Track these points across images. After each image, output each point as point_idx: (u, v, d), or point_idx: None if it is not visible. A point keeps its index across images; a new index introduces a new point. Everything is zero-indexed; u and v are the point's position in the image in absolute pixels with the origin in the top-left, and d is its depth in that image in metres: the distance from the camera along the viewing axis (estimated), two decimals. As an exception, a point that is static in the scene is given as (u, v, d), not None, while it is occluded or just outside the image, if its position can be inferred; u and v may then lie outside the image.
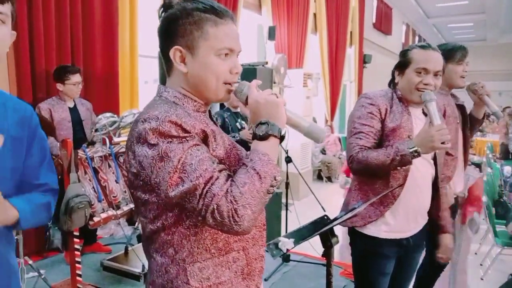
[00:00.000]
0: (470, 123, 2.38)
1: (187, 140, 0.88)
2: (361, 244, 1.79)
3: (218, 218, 0.84)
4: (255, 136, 0.94)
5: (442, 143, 1.50)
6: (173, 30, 0.97)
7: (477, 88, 2.32)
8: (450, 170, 2.24)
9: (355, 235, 1.80)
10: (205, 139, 0.94)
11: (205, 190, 0.85)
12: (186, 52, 0.97)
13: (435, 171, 1.79)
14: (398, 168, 1.63)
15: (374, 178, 1.71)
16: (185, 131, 0.88)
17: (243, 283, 1.01)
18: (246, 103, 1.00)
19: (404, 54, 1.74)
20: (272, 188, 0.90)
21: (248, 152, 0.96)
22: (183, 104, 0.98)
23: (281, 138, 0.95)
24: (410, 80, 1.68)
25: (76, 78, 3.19)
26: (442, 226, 1.86)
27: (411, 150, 1.53)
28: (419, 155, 1.54)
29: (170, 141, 0.87)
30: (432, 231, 1.86)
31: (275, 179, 0.90)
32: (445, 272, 2.63)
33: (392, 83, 1.80)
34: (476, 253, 4.15)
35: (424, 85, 1.65)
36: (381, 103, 1.70)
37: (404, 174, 1.68)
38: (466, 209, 2.58)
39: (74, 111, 3.29)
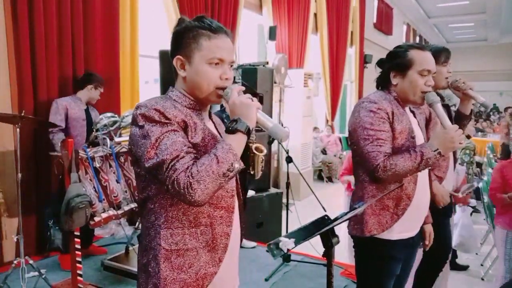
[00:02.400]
0: (459, 120, 2.41)
1: (167, 125, 1.09)
2: (372, 248, 1.77)
3: (176, 187, 1.03)
4: (226, 130, 1.12)
5: (460, 143, 1.60)
6: (178, 43, 1.20)
7: (459, 84, 2.35)
8: (442, 171, 2.30)
9: (365, 241, 1.76)
10: (185, 128, 1.14)
11: (170, 165, 1.04)
12: (185, 60, 1.19)
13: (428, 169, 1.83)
14: None
15: (387, 184, 1.69)
16: (166, 118, 1.10)
17: (208, 254, 1.18)
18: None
19: (399, 55, 1.71)
20: (228, 172, 1.06)
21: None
22: (181, 102, 1.20)
23: (248, 134, 1.12)
24: (414, 82, 1.67)
25: (102, 90, 3.46)
26: (426, 217, 1.90)
27: (435, 152, 1.58)
28: (441, 156, 1.59)
29: (153, 125, 1.09)
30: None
31: (232, 165, 1.06)
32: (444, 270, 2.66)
33: (384, 85, 1.78)
34: (477, 253, 4.15)
35: (427, 86, 1.67)
36: (387, 106, 1.68)
37: (415, 175, 1.70)
38: (457, 202, 2.66)
39: (87, 113, 3.40)
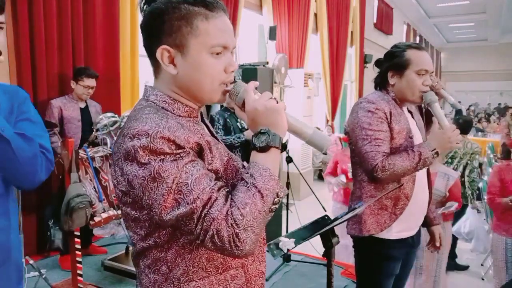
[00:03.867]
0: (428, 117, 2.48)
1: (182, 157, 0.80)
2: (370, 247, 1.77)
3: (218, 243, 0.78)
4: (254, 147, 0.87)
5: (457, 143, 1.61)
6: (158, 27, 0.86)
7: (433, 84, 2.44)
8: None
9: (364, 240, 1.77)
10: (200, 152, 0.86)
11: (203, 214, 0.78)
12: (175, 51, 0.87)
13: (427, 168, 1.84)
14: None
15: (385, 183, 1.69)
16: (178, 146, 0.80)
17: None
18: (242, 106, 0.92)
19: (397, 55, 1.71)
20: (274, 206, 0.83)
21: (245, 163, 0.91)
22: (173, 110, 0.89)
23: (283, 148, 0.88)
24: (412, 82, 1.68)
25: (90, 82, 3.27)
26: (434, 219, 1.93)
27: (433, 152, 1.59)
28: (438, 156, 1.61)
29: (163, 159, 0.79)
30: (423, 225, 1.90)
31: (277, 196, 0.83)
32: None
33: (383, 85, 1.78)
34: (477, 254, 4.15)
35: (425, 86, 1.68)
36: (385, 106, 1.69)
37: (413, 174, 1.71)
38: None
39: (85, 112, 3.35)
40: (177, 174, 0.79)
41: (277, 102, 0.89)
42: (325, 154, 0.96)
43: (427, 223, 1.92)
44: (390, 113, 1.69)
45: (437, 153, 1.60)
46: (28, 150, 1.14)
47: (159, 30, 0.87)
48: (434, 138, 1.63)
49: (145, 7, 0.90)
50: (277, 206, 0.84)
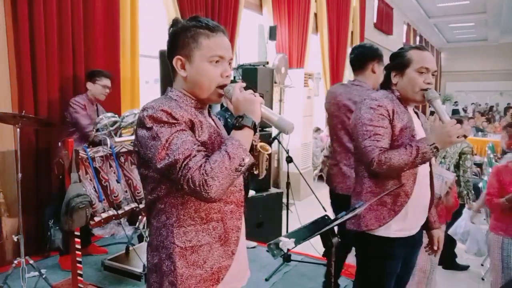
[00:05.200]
0: None
1: (175, 125, 1.10)
2: (371, 246, 1.78)
3: (192, 186, 1.04)
4: (233, 126, 1.14)
5: (457, 137, 1.59)
6: (176, 43, 1.21)
7: None
8: None
9: (363, 238, 1.78)
10: (192, 127, 1.15)
11: (183, 164, 1.05)
12: (185, 60, 1.20)
13: (430, 168, 1.85)
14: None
15: (385, 180, 1.71)
16: (174, 118, 1.11)
17: (220, 248, 1.21)
18: (231, 100, 1.21)
19: (399, 55, 1.77)
20: (240, 167, 1.08)
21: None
22: (183, 101, 1.20)
23: (254, 129, 1.15)
24: (412, 80, 1.71)
25: (107, 81, 3.33)
26: (434, 222, 1.94)
27: (432, 147, 1.59)
28: (437, 151, 1.60)
29: (162, 126, 1.09)
30: (422, 227, 1.90)
31: (243, 160, 1.09)
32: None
33: (387, 85, 1.82)
34: (470, 255, 4.14)
35: (426, 84, 1.70)
36: (388, 104, 1.71)
37: (414, 172, 1.72)
38: (442, 209, 2.64)
39: (96, 114, 3.35)
40: (169, 136, 1.08)
41: (255, 96, 1.18)
42: (288, 134, 1.21)
43: (427, 226, 1.92)
44: (393, 110, 1.71)
45: (436, 148, 1.59)
46: None
47: (176, 45, 1.21)
48: (433, 132, 1.63)
49: (171, 29, 1.25)
50: (243, 168, 1.09)
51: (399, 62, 1.76)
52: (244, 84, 1.24)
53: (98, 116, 3.35)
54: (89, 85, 3.29)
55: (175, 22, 1.25)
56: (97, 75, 3.29)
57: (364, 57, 2.54)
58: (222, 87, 1.21)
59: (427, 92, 1.69)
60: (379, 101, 1.71)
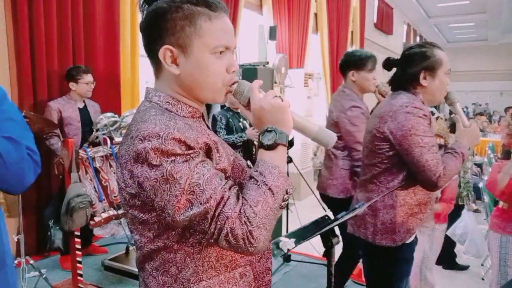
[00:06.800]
0: None
1: (192, 158, 0.80)
2: (388, 254, 1.74)
3: (233, 241, 0.79)
4: (261, 145, 0.88)
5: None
6: (161, 26, 0.87)
7: (384, 89, 2.56)
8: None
9: (376, 247, 1.75)
10: (208, 152, 0.87)
11: (217, 213, 0.79)
12: (178, 51, 0.87)
13: None
14: None
15: (417, 190, 1.70)
16: (189, 147, 0.81)
17: None
18: (247, 105, 0.93)
19: (429, 55, 1.68)
20: (284, 203, 0.84)
21: (249, 162, 0.92)
22: (177, 111, 0.90)
23: (289, 145, 0.91)
24: (443, 82, 1.71)
25: (89, 77, 3.28)
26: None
27: (468, 151, 1.66)
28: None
29: (174, 160, 0.79)
30: None
31: (286, 193, 0.84)
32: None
33: (410, 86, 1.72)
34: (469, 256, 4.14)
35: (447, 85, 1.73)
36: (426, 111, 1.68)
37: None
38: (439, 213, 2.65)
39: (84, 111, 3.34)
40: (189, 174, 0.79)
41: (282, 100, 0.90)
42: (329, 147, 0.96)
43: None
44: (430, 119, 1.70)
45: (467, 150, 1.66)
46: (16, 154, 1.10)
47: (162, 30, 0.87)
48: (464, 136, 1.67)
49: (145, 6, 0.90)
50: (286, 202, 0.85)
51: (431, 62, 1.67)
52: (261, 82, 0.94)
53: (88, 109, 3.37)
54: (72, 85, 3.23)
55: None
56: (77, 74, 3.22)
57: (344, 64, 2.56)
58: (230, 84, 0.93)
59: (451, 94, 1.72)
60: (423, 109, 1.64)
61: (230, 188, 0.82)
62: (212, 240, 0.81)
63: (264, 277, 0.98)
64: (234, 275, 0.93)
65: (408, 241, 1.74)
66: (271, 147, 0.87)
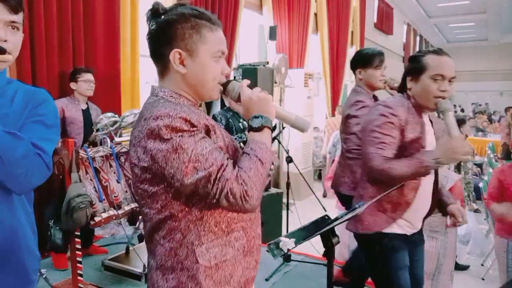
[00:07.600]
0: None
1: (196, 134, 0.99)
2: (371, 243, 1.81)
3: (232, 199, 0.95)
4: (251, 128, 1.07)
5: (464, 155, 1.54)
6: (171, 34, 1.06)
7: (395, 84, 2.54)
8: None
9: (366, 237, 1.80)
10: (207, 132, 1.04)
11: (218, 176, 0.95)
12: (186, 54, 1.06)
13: (435, 176, 1.84)
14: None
15: (388, 187, 1.68)
16: (193, 125, 0.99)
17: (245, 259, 1.12)
18: (237, 100, 1.15)
19: (416, 59, 1.71)
20: (270, 172, 1.04)
21: (242, 144, 1.11)
22: (179, 103, 1.07)
23: (272, 129, 1.10)
24: (426, 87, 1.67)
25: (88, 76, 3.30)
26: (447, 200, 1.91)
27: (435, 161, 1.55)
28: (441, 165, 1.59)
29: (182, 135, 0.97)
30: (440, 210, 1.93)
31: (272, 164, 1.05)
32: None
33: (404, 89, 1.78)
34: (479, 255, 4.15)
35: (441, 91, 1.65)
36: (402, 113, 1.68)
37: (418, 183, 1.71)
38: None
39: (86, 113, 3.35)
40: (194, 146, 0.96)
41: (267, 94, 1.12)
42: (305, 132, 1.17)
43: (443, 206, 1.90)
44: (406, 121, 1.68)
45: (440, 162, 1.56)
46: (17, 151, 1.05)
47: (172, 36, 1.06)
48: (439, 147, 1.59)
49: (151, 17, 1.09)
50: (272, 171, 1.07)
51: (414, 67, 1.70)
52: (249, 82, 1.17)
53: (90, 112, 3.38)
54: (73, 85, 3.27)
55: (156, 8, 1.08)
56: (77, 73, 3.27)
57: (352, 63, 2.62)
58: (221, 84, 1.15)
59: (440, 103, 1.64)
60: (393, 109, 1.67)
61: (227, 159, 1.00)
62: (214, 200, 0.97)
63: (255, 241, 1.15)
64: (230, 238, 1.09)
65: (386, 231, 1.75)
66: (259, 129, 1.07)
